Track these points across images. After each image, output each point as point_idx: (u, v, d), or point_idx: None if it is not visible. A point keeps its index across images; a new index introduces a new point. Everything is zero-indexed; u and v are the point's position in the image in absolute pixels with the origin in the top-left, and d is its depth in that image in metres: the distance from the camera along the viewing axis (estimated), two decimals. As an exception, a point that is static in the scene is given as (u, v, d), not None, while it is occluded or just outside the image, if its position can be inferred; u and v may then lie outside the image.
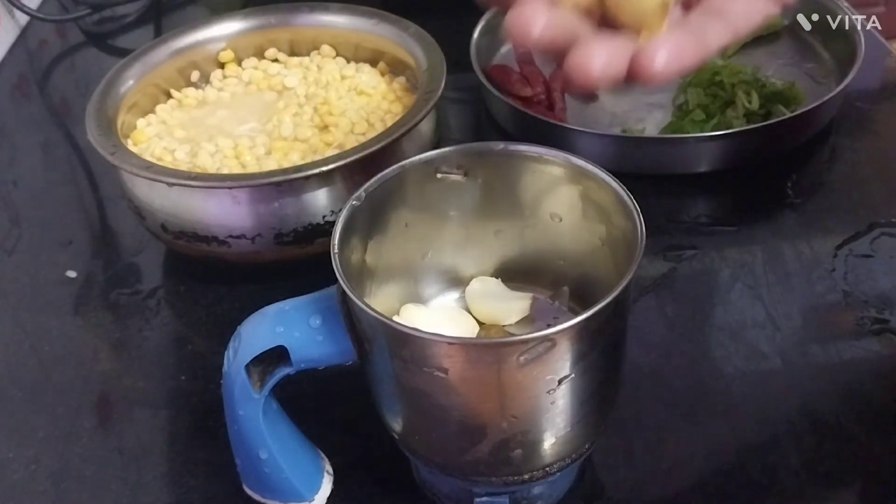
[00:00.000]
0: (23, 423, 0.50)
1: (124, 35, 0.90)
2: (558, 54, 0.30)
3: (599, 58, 0.29)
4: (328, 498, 0.44)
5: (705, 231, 0.59)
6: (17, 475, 0.47)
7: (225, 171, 0.55)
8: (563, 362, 0.34)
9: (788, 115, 0.62)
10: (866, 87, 0.71)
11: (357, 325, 0.36)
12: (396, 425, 0.39)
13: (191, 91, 0.64)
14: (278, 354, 0.37)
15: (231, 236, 0.53)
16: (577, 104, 0.68)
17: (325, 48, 0.66)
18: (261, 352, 0.37)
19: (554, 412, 0.36)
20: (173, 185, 0.51)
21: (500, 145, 0.41)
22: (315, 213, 0.53)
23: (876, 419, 0.46)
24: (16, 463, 0.48)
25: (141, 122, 0.61)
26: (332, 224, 0.36)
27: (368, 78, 0.63)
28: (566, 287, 0.45)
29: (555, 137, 0.63)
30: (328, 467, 0.44)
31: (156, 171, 0.51)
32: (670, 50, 0.30)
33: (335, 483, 0.44)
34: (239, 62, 0.66)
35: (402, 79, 0.63)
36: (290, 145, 0.57)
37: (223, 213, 0.52)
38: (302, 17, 0.66)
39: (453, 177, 0.41)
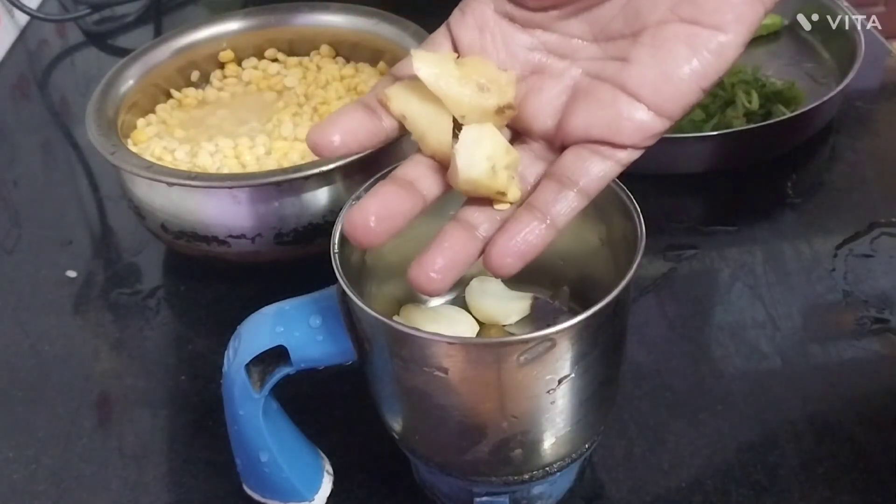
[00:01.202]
0: (23, 423, 0.50)
1: (124, 35, 0.90)
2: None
3: (436, 273, 0.31)
4: (328, 498, 0.44)
5: (705, 231, 0.59)
6: (17, 475, 0.47)
7: (225, 170, 0.55)
8: (562, 362, 0.34)
9: (788, 115, 0.62)
10: (866, 87, 0.71)
11: (357, 325, 0.36)
12: (396, 425, 0.39)
13: (191, 91, 0.64)
14: (278, 354, 0.37)
15: (231, 236, 0.53)
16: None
17: (325, 48, 0.66)
18: (261, 352, 0.37)
19: (554, 412, 0.36)
20: (173, 184, 0.51)
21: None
22: (315, 213, 0.53)
23: (876, 419, 0.46)
24: (16, 463, 0.48)
25: (141, 122, 0.61)
26: (332, 224, 0.36)
27: (368, 78, 0.63)
28: (566, 287, 0.45)
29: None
30: (328, 467, 0.44)
31: (156, 171, 0.51)
32: (516, 249, 0.31)
33: (335, 483, 0.44)
34: (239, 62, 0.66)
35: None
36: (290, 145, 0.57)
37: (223, 213, 0.52)
38: (301, 17, 0.66)
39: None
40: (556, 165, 0.33)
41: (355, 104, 0.33)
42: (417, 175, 0.33)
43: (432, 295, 0.33)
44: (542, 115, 0.34)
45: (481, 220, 0.33)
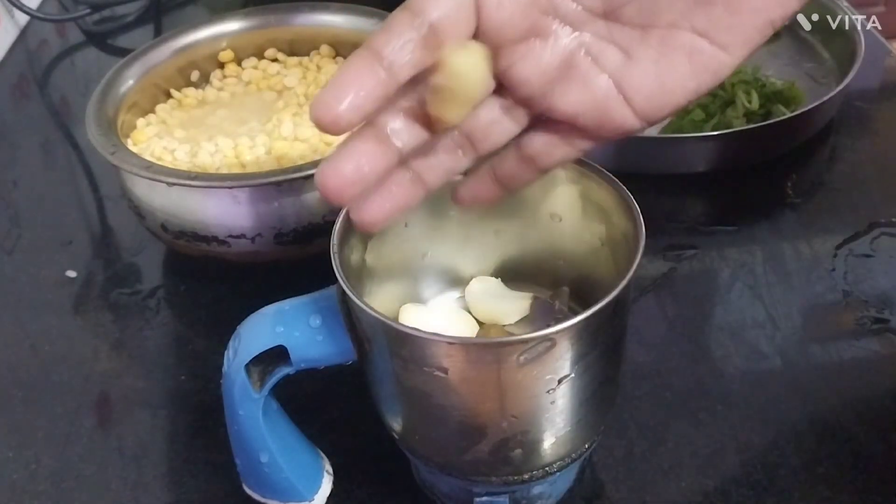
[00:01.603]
0: (23, 423, 0.50)
1: (124, 35, 0.90)
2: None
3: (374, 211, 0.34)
4: (328, 498, 0.44)
5: (705, 231, 0.59)
6: (17, 475, 0.47)
7: (225, 170, 0.55)
8: (562, 362, 0.34)
9: (788, 115, 0.62)
10: (866, 87, 0.71)
11: (357, 325, 0.36)
12: (396, 425, 0.39)
13: (191, 91, 0.64)
14: (278, 354, 0.37)
15: (231, 236, 0.53)
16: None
17: (325, 48, 0.66)
18: (260, 352, 0.37)
19: (554, 412, 0.36)
20: (173, 184, 0.51)
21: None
22: (315, 213, 0.53)
23: (876, 419, 0.46)
24: (16, 463, 0.48)
25: (141, 122, 0.61)
26: (332, 224, 0.36)
27: (368, 78, 0.63)
28: (566, 287, 0.45)
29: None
30: (328, 467, 0.44)
31: (156, 171, 0.51)
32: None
33: (335, 483, 0.44)
34: (239, 62, 0.66)
35: (401, 79, 0.63)
36: (290, 145, 0.57)
37: (223, 213, 0.52)
38: (301, 17, 0.66)
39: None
40: (525, 143, 0.34)
41: (359, 65, 0.30)
42: (398, 127, 0.32)
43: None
44: (534, 81, 0.33)
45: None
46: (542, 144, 0.34)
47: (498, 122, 0.34)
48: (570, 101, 0.33)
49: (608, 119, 0.33)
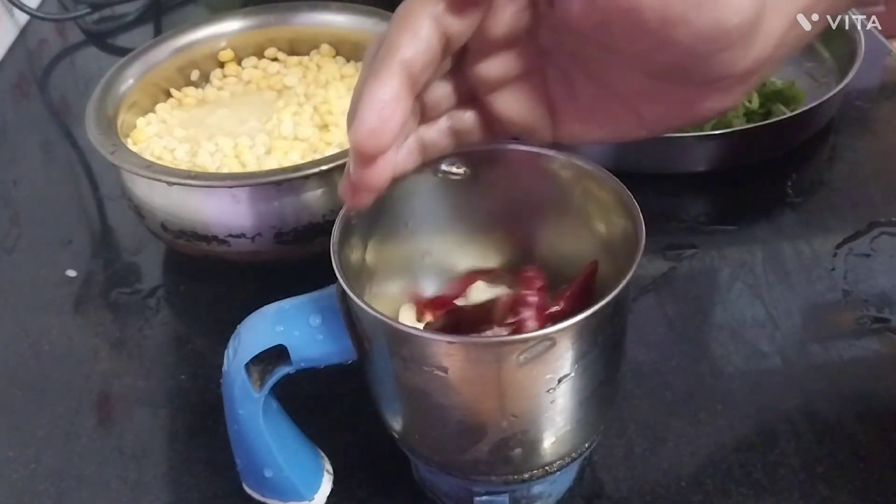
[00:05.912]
0: (23, 422, 0.50)
1: (124, 34, 0.90)
2: None
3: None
4: (328, 497, 0.44)
5: (705, 230, 0.59)
6: (17, 475, 0.47)
7: (225, 170, 0.55)
8: (562, 361, 0.34)
9: (788, 114, 0.62)
10: (866, 86, 0.71)
11: (357, 325, 0.36)
12: (396, 424, 0.39)
13: (190, 90, 0.64)
14: (278, 354, 0.37)
15: (231, 235, 0.53)
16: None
17: (325, 47, 0.66)
18: (260, 351, 0.37)
19: (554, 411, 0.36)
20: (173, 184, 0.51)
21: (501, 145, 0.41)
22: (315, 213, 0.53)
23: (876, 419, 0.46)
24: (16, 462, 0.48)
25: (141, 122, 0.61)
26: (332, 223, 0.36)
27: (368, 77, 0.63)
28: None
29: (555, 137, 0.63)
30: (328, 467, 0.44)
31: (155, 171, 0.51)
32: None
33: (335, 483, 0.44)
34: (238, 61, 0.66)
35: (401, 78, 0.63)
36: (290, 144, 0.57)
37: (223, 213, 0.52)
38: (301, 17, 0.66)
39: (453, 176, 0.41)
40: (457, 118, 0.36)
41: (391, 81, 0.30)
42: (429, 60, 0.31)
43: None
44: (492, 81, 0.35)
45: None
46: (471, 124, 0.36)
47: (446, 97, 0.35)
48: (508, 107, 0.35)
49: (530, 132, 0.36)
